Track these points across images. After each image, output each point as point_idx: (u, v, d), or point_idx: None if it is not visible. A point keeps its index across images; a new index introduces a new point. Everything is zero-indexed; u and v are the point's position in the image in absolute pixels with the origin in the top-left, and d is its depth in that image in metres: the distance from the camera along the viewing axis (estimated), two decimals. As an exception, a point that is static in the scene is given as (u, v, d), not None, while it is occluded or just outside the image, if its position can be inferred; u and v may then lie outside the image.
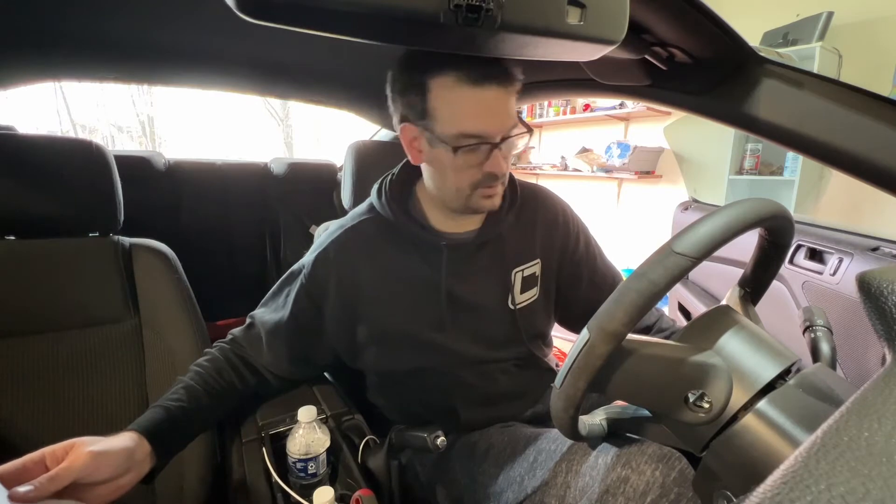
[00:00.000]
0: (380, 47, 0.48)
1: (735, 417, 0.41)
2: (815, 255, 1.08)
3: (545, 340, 0.85)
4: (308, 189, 1.90)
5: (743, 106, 0.59)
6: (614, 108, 2.91)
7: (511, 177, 0.78)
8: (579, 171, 3.18)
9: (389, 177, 0.76)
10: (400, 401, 0.84)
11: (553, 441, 0.64)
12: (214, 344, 0.77)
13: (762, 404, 0.39)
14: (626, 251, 2.91)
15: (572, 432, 0.50)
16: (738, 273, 0.55)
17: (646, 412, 0.52)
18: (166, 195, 1.69)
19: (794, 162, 2.08)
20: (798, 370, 0.43)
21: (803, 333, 0.50)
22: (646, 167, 2.82)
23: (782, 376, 0.42)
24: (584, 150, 3.17)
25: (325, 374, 0.89)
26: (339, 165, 1.93)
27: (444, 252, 0.71)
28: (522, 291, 0.77)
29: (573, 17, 0.44)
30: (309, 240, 1.16)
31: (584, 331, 0.43)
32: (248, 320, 0.78)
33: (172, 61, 1.04)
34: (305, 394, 0.82)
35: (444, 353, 0.74)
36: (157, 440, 0.56)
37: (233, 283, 1.82)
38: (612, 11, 0.46)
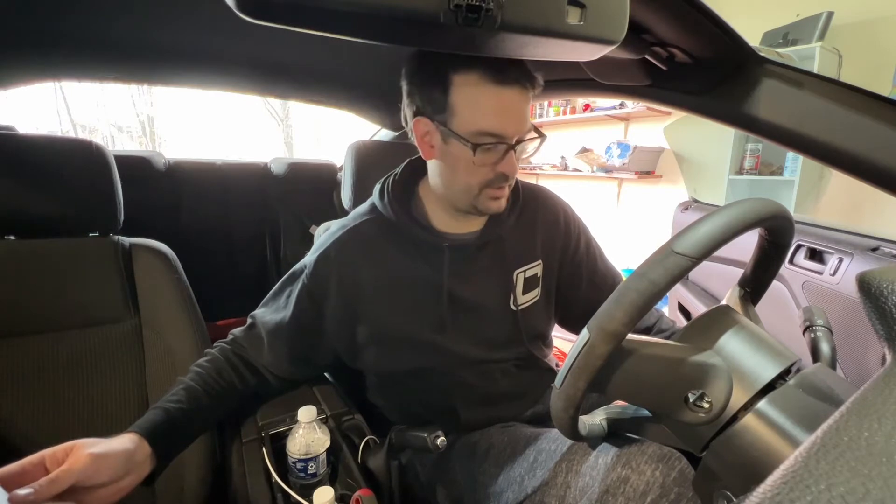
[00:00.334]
0: (380, 47, 0.49)
1: (735, 417, 0.41)
2: (815, 255, 1.08)
3: (545, 341, 0.85)
4: (308, 189, 1.90)
5: (743, 106, 0.59)
6: (614, 108, 2.91)
7: (513, 178, 0.79)
8: (579, 171, 3.18)
9: (392, 177, 0.76)
10: (400, 401, 0.84)
11: (553, 441, 0.64)
12: (215, 344, 0.77)
13: (762, 404, 0.39)
14: (626, 251, 2.92)
15: (572, 432, 0.50)
16: (738, 273, 0.55)
17: (646, 412, 0.52)
18: (166, 195, 1.69)
19: (794, 162, 2.08)
20: (798, 370, 0.43)
21: (803, 333, 0.50)
22: (646, 167, 2.82)
23: (782, 376, 0.42)
24: (584, 150, 3.17)
25: (325, 374, 0.89)
26: (339, 165, 1.93)
27: (446, 253, 0.71)
28: (524, 292, 0.77)
29: (573, 17, 0.44)
30: (309, 240, 1.16)
31: (584, 331, 0.43)
32: (248, 320, 0.78)
33: (172, 61, 1.04)
34: (305, 394, 0.82)
35: (445, 353, 0.74)
36: (158, 442, 0.56)
37: (233, 283, 1.82)
38: (612, 11, 0.46)
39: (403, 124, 0.70)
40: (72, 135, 3.95)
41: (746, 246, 0.52)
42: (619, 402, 0.57)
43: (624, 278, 0.65)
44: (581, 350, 0.42)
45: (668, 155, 2.75)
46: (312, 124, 6.74)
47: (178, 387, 0.66)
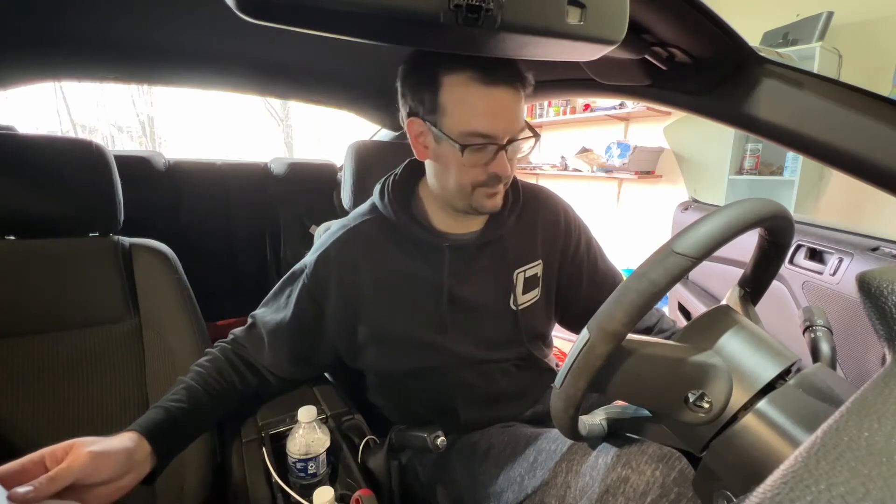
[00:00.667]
0: (380, 47, 0.48)
1: (735, 417, 0.41)
2: (815, 255, 1.08)
3: (545, 341, 0.85)
4: (308, 189, 1.91)
5: (743, 106, 0.59)
6: (614, 108, 2.91)
7: (513, 178, 0.79)
8: (579, 171, 3.18)
9: (392, 177, 0.76)
10: (400, 401, 0.84)
11: (553, 441, 0.64)
12: (215, 344, 0.77)
13: (762, 404, 0.39)
14: (626, 251, 2.91)
15: (572, 432, 0.50)
16: (738, 273, 0.55)
17: (646, 412, 0.52)
18: (166, 195, 1.70)
19: (794, 162, 2.08)
20: (798, 370, 0.43)
21: (803, 333, 0.50)
22: (646, 167, 2.82)
23: (782, 376, 0.42)
24: (584, 150, 3.17)
25: (325, 374, 0.89)
26: (339, 165, 1.93)
27: (446, 253, 0.71)
28: (525, 292, 0.77)
29: (573, 17, 0.44)
30: (309, 240, 1.16)
31: (584, 331, 0.43)
32: (249, 320, 0.78)
33: (172, 61, 1.04)
34: (305, 394, 0.82)
35: (445, 353, 0.74)
36: (158, 441, 0.56)
37: (233, 283, 1.82)
38: (612, 11, 0.46)
39: (402, 124, 0.71)
40: (72, 135, 3.95)
41: (746, 246, 0.52)
42: (619, 402, 0.57)
43: (624, 278, 0.65)
44: (581, 350, 0.42)
45: (668, 155, 2.75)
46: (312, 124, 6.74)
47: (179, 386, 0.66)
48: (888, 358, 0.24)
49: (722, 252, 0.45)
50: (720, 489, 0.40)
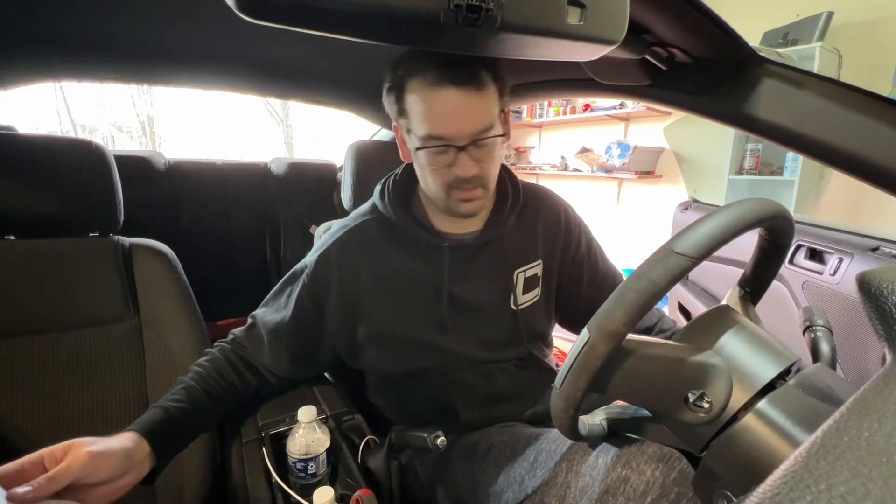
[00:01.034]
0: (380, 47, 0.48)
1: (735, 417, 0.41)
2: (815, 255, 1.08)
3: (546, 341, 0.85)
4: (308, 189, 1.91)
5: (743, 106, 0.59)
6: (614, 108, 2.91)
7: (513, 177, 0.79)
8: (579, 171, 3.18)
9: (392, 177, 0.76)
10: (400, 401, 0.84)
11: (553, 441, 0.64)
12: (215, 344, 0.77)
13: (762, 404, 0.39)
14: (626, 251, 2.91)
15: (572, 432, 0.50)
16: (738, 273, 0.55)
17: (646, 412, 0.52)
18: (166, 195, 1.70)
19: (794, 162, 2.08)
20: (798, 370, 0.43)
21: (803, 333, 0.50)
22: (646, 167, 2.82)
23: (782, 376, 0.42)
24: (584, 150, 3.17)
25: (325, 374, 0.89)
26: (339, 165, 1.93)
27: (446, 253, 0.71)
28: (525, 292, 0.77)
29: (573, 17, 0.44)
30: (309, 240, 1.16)
31: (584, 331, 0.43)
32: (249, 320, 0.78)
33: (172, 61, 1.04)
34: (305, 394, 0.82)
35: (445, 353, 0.74)
36: (157, 441, 0.56)
37: (233, 283, 1.82)
38: (612, 11, 0.46)
39: None
40: (72, 135, 3.95)
41: (746, 246, 0.52)
42: (619, 402, 0.57)
43: (624, 278, 0.65)
44: (581, 350, 0.42)
45: (668, 155, 2.75)
46: (312, 124, 6.74)
47: (179, 386, 0.66)
48: (888, 358, 0.24)
49: (722, 252, 0.45)
50: (720, 489, 0.40)
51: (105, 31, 0.88)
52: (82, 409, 0.76)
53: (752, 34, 1.45)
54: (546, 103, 3.40)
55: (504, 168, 0.79)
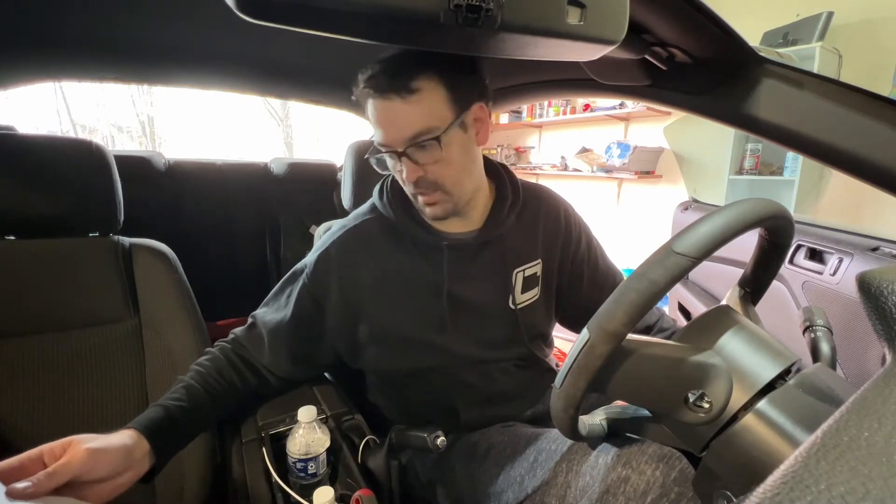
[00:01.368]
0: (379, 47, 0.48)
1: (735, 417, 0.41)
2: (815, 255, 1.08)
3: (546, 340, 0.85)
4: (308, 189, 1.91)
5: (743, 106, 0.59)
6: (614, 108, 2.91)
7: (512, 177, 0.79)
8: (579, 171, 3.18)
9: (391, 177, 0.76)
10: (400, 401, 0.84)
11: (553, 441, 0.64)
12: (215, 343, 0.77)
13: (762, 404, 0.39)
14: (626, 251, 2.91)
15: (572, 432, 0.50)
16: (738, 273, 0.55)
17: (646, 412, 0.52)
18: (166, 195, 1.70)
19: (794, 162, 2.08)
20: (798, 370, 0.43)
21: (803, 333, 0.50)
22: (646, 167, 2.82)
23: (782, 376, 0.42)
24: (584, 150, 3.17)
25: (325, 374, 0.89)
26: (339, 165, 1.93)
27: (445, 252, 0.71)
28: (523, 291, 0.77)
29: (573, 17, 0.44)
30: (309, 240, 1.16)
31: (584, 331, 0.43)
32: (249, 320, 0.78)
33: (172, 61, 1.04)
34: (305, 394, 0.82)
35: (445, 353, 0.74)
36: (156, 439, 0.56)
37: (233, 283, 1.82)
38: (612, 11, 0.46)
39: None
40: (72, 135, 3.95)
41: (746, 246, 0.52)
42: (619, 402, 0.57)
43: (624, 278, 0.65)
44: (581, 350, 0.42)
45: (668, 155, 2.74)
46: (312, 124, 6.73)
47: (179, 385, 0.66)
48: (888, 358, 0.24)
49: (722, 252, 0.45)
50: (720, 489, 0.40)
51: (105, 31, 0.88)
52: (82, 408, 0.76)
53: (752, 34, 1.45)
54: (546, 103, 3.40)
55: (504, 167, 0.79)
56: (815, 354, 0.47)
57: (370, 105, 0.63)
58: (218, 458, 0.79)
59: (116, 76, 1.08)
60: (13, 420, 0.71)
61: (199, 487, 0.76)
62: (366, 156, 0.68)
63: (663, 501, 0.49)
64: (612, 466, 0.53)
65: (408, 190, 0.69)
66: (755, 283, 0.53)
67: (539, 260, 0.79)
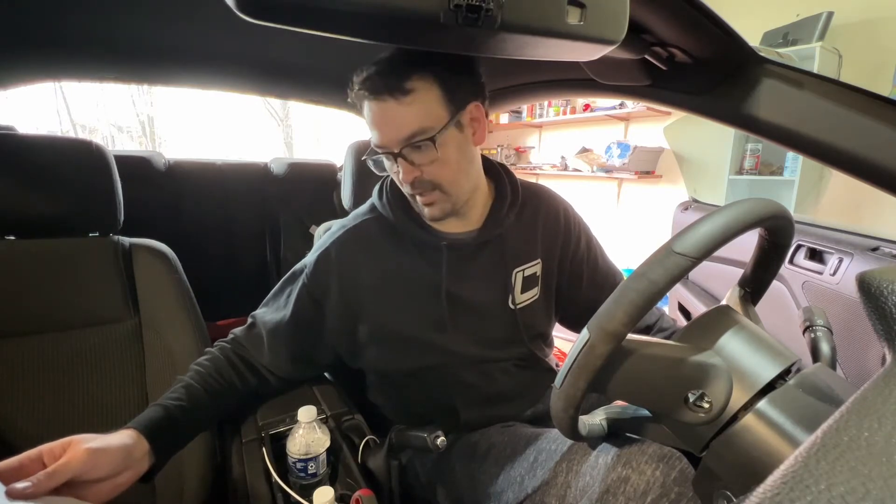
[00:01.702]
0: (380, 47, 0.48)
1: (735, 417, 0.41)
2: (815, 255, 1.08)
3: (546, 340, 0.85)
4: (308, 189, 1.91)
5: (743, 106, 0.59)
6: (614, 108, 2.90)
7: (512, 176, 0.79)
8: (579, 171, 3.18)
9: (391, 177, 0.76)
10: (400, 401, 0.84)
11: (553, 441, 0.64)
12: (215, 343, 0.77)
13: (762, 404, 0.39)
14: (626, 251, 2.91)
15: (572, 432, 0.50)
16: (738, 273, 0.55)
17: (646, 412, 0.52)
18: (166, 195, 1.70)
19: (794, 162, 2.08)
20: (798, 370, 0.43)
21: (803, 333, 0.50)
22: (646, 167, 2.82)
23: (782, 376, 0.42)
24: (584, 150, 3.17)
25: (325, 374, 0.89)
26: (339, 165, 1.93)
27: (444, 252, 0.71)
28: (523, 291, 0.77)
29: (573, 17, 0.44)
30: (309, 240, 1.16)
31: (584, 331, 0.43)
32: (249, 320, 0.78)
33: (172, 61, 1.04)
34: (305, 394, 0.82)
35: (445, 353, 0.74)
36: (156, 439, 0.56)
37: (233, 283, 1.82)
38: (612, 11, 0.46)
39: None
40: (72, 135, 3.95)
41: (746, 246, 0.52)
42: (619, 402, 0.57)
43: (624, 278, 0.65)
44: (581, 350, 0.42)
45: (668, 155, 2.74)
46: (312, 124, 6.73)
47: (178, 385, 0.66)
48: (888, 358, 0.24)
49: (722, 252, 0.45)
50: (720, 489, 0.40)
51: (105, 31, 0.88)
52: (82, 408, 0.76)
53: (752, 34, 1.45)
54: (546, 103, 3.39)
55: (503, 167, 0.79)
56: (815, 354, 0.47)
57: (365, 107, 0.64)
58: (218, 458, 0.79)
59: (116, 76, 1.08)
60: (13, 420, 0.71)
61: (199, 487, 0.76)
62: (363, 157, 0.69)
63: (663, 501, 0.49)
64: (612, 466, 0.53)
65: (405, 191, 0.69)
66: (755, 283, 0.53)
67: (539, 260, 0.79)
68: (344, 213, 0.91)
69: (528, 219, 0.79)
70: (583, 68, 0.74)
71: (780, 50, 1.93)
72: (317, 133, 6.70)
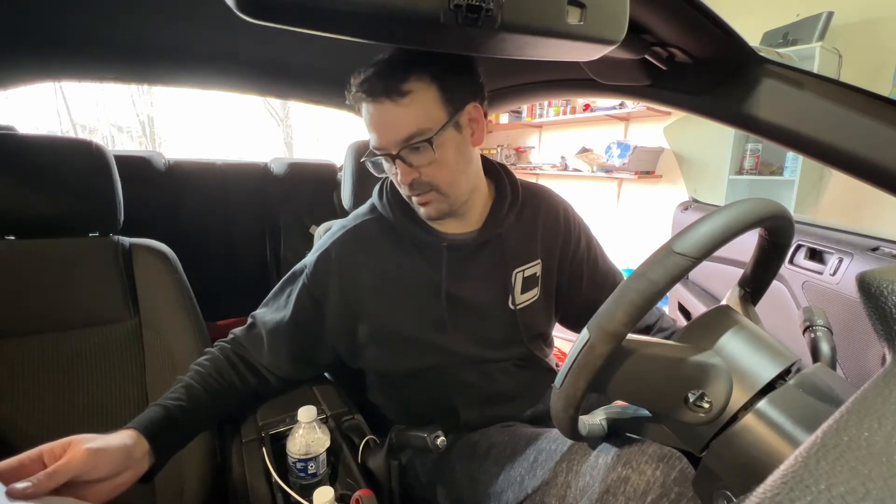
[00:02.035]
0: (379, 47, 0.48)
1: (735, 417, 0.41)
2: (815, 255, 1.08)
3: (546, 340, 0.85)
4: (308, 189, 1.91)
5: (743, 106, 0.59)
6: (614, 108, 2.90)
7: (512, 177, 0.79)
8: (579, 171, 3.18)
9: (390, 178, 0.76)
10: (400, 401, 0.84)
11: (553, 441, 0.64)
12: (215, 343, 0.77)
13: (762, 404, 0.39)
14: (626, 251, 2.91)
15: (572, 432, 0.50)
16: (738, 273, 0.55)
17: (646, 412, 0.52)
18: (166, 195, 1.70)
19: (794, 162, 2.08)
20: (798, 370, 0.43)
21: (803, 333, 0.50)
22: (646, 167, 2.82)
23: (782, 376, 0.42)
24: (584, 150, 3.17)
25: (325, 374, 0.89)
26: (339, 165, 1.93)
27: (444, 253, 0.71)
28: (523, 292, 0.77)
29: (573, 17, 0.44)
30: (309, 240, 1.16)
31: (584, 331, 0.43)
32: (249, 320, 0.78)
33: (172, 61, 1.04)
34: (305, 394, 0.82)
35: (445, 353, 0.74)
36: (156, 439, 0.56)
37: (233, 283, 1.82)
38: (612, 11, 0.46)
39: None
40: (72, 135, 3.95)
41: (746, 246, 0.52)
42: (619, 402, 0.57)
43: (624, 278, 0.65)
44: (581, 350, 0.42)
45: (668, 155, 2.74)
46: (312, 124, 6.73)
47: (178, 385, 0.66)
48: (888, 358, 0.24)
49: (722, 252, 0.45)
50: (720, 489, 0.40)
51: (105, 31, 0.88)
52: (82, 408, 0.75)
53: (752, 34, 1.45)
54: (546, 103, 3.39)
55: (503, 167, 0.79)
56: (815, 354, 0.47)
57: (363, 109, 0.64)
58: (218, 458, 0.79)
59: (116, 76, 1.08)
60: (13, 420, 0.71)
61: (199, 487, 0.76)
62: (362, 159, 0.69)
63: (663, 501, 0.49)
64: (612, 466, 0.53)
65: (403, 192, 0.69)
66: (755, 283, 0.53)
67: (539, 260, 0.79)
68: (344, 213, 0.91)
69: (528, 219, 0.79)
70: (583, 68, 0.74)
71: (780, 50, 1.93)
72: (317, 133, 6.70)
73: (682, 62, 0.61)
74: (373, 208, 0.77)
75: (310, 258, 0.76)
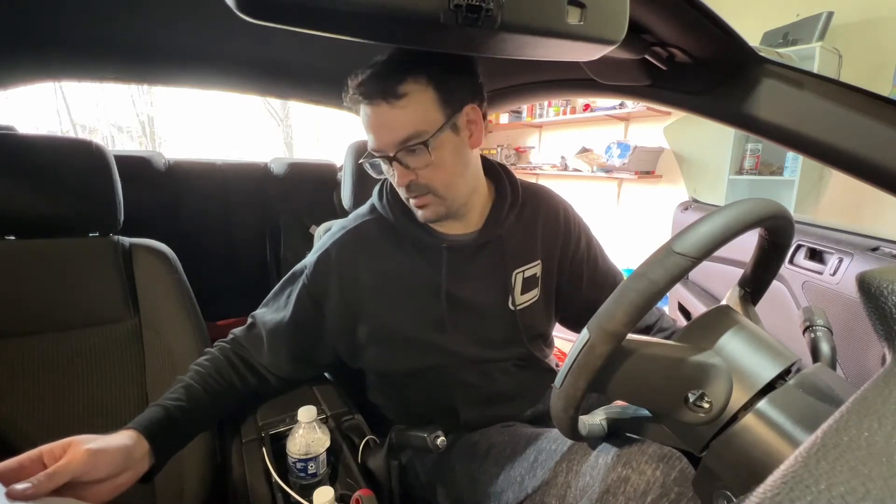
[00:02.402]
0: (380, 47, 0.48)
1: (735, 417, 0.41)
2: (815, 255, 1.08)
3: (546, 341, 0.85)
4: (308, 189, 1.91)
5: (743, 106, 0.59)
6: (614, 108, 2.90)
7: (512, 177, 0.79)
8: (579, 171, 3.18)
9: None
10: (400, 401, 0.84)
11: (553, 441, 0.64)
12: (215, 343, 0.77)
13: (762, 404, 0.39)
14: (626, 251, 2.91)
15: (572, 432, 0.50)
16: (738, 273, 0.55)
17: (646, 412, 0.52)
18: (166, 195, 1.70)
19: (794, 162, 2.08)
20: (798, 370, 0.43)
21: (803, 333, 0.50)
22: (646, 167, 2.82)
23: (782, 376, 0.42)
24: (584, 150, 3.17)
25: (325, 374, 0.89)
26: (339, 165, 1.93)
27: (444, 253, 0.71)
28: (523, 292, 0.77)
29: (573, 17, 0.44)
30: (309, 240, 1.16)
31: (584, 331, 0.43)
32: (249, 320, 0.78)
33: (172, 61, 1.04)
34: (305, 394, 0.82)
35: (445, 353, 0.74)
36: (156, 439, 0.56)
37: (233, 283, 1.82)
38: (612, 11, 0.46)
39: None
40: (72, 135, 3.95)
41: (746, 246, 0.52)
42: (619, 402, 0.57)
43: (624, 278, 0.65)
44: (581, 350, 0.42)
45: (668, 155, 2.74)
46: (312, 124, 6.73)
47: (178, 385, 0.66)
48: (888, 358, 0.24)
49: (722, 252, 0.45)
50: (720, 489, 0.40)
51: (105, 31, 0.88)
52: (82, 408, 0.75)
53: (752, 34, 1.45)
54: (546, 103, 3.39)
55: (503, 168, 0.79)
56: (815, 354, 0.47)
57: (361, 111, 0.64)
58: (218, 458, 0.79)
59: (116, 76, 1.08)
60: (13, 420, 0.71)
61: (199, 487, 0.76)
62: (360, 161, 0.69)
63: (663, 501, 0.49)
64: (612, 466, 0.53)
65: (401, 193, 0.69)
66: (755, 283, 0.53)
67: (539, 260, 0.79)
68: (344, 214, 0.91)
69: (528, 219, 0.79)
70: (583, 68, 0.74)
71: (780, 50, 1.93)
72: (317, 133, 6.70)
73: (682, 62, 0.61)
74: (373, 209, 0.77)
75: (310, 258, 0.76)
